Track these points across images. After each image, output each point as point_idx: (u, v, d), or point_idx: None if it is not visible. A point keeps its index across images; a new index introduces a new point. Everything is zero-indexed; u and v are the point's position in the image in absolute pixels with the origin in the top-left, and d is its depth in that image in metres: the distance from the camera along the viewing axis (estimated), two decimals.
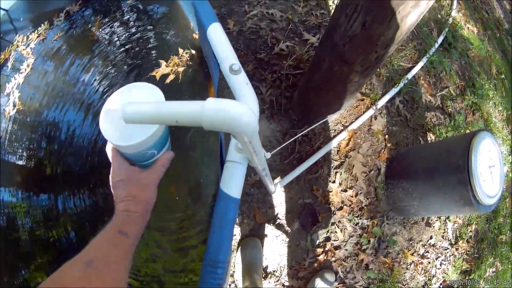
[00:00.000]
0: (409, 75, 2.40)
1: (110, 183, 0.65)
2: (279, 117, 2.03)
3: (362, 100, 2.16)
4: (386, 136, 2.15)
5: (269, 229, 1.88)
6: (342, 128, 2.07)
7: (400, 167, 2.02)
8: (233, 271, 1.81)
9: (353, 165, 2.02)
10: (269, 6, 2.37)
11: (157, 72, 1.97)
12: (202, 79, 2.04)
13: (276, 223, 1.90)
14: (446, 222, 2.31)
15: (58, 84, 1.95)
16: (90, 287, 0.45)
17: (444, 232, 2.30)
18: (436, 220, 2.27)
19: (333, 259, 1.97)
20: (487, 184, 1.56)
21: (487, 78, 3.10)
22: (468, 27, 3.39)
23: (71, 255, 0.50)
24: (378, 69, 2.24)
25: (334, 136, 2.03)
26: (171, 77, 2.00)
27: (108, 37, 2.09)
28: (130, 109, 0.50)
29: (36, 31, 2.15)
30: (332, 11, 2.35)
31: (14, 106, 1.96)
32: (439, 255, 2.28)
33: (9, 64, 2.11)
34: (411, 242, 2.18)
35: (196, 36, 2.09)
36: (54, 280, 0.46)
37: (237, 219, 1.86)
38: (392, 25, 1.07)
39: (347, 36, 1.25)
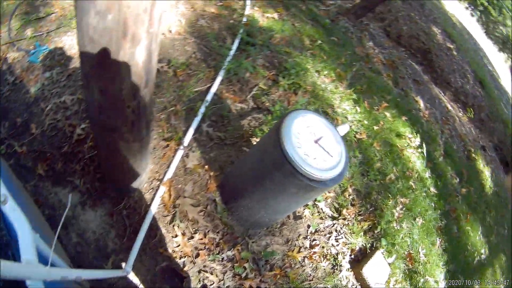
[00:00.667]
0: (208, 96, 2.68)
1: None
2: (101, 200, 2.27)
3: (167, 146, 2.41)
4: (206, 166, 2.41)
5: None
6: (158, 182, 2.24)
7: (231, 188, 2.33)
8: None
9: (186, 211, 2.23)
10: (61, 94, 2.61)
11: None
12: None
13: None
14: (317, 204, 2.55)
15: None
16: None
17: (320, 214, 2.56)
18: (304, 209, 2.51)
19: None
20: (321, 158, 1.66)
21: (300, 53, 3.58)
22: (267, 16, 3.95)
23: None
24: (151, 118, 2.58)
25: (153, 197, 2.20)
26: None
27: None
28: None
29: None
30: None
31: None
32: (329, 234, 2.52)
33: None
34: (290, 243, 2.40)
35: None
36: None
37: None
38: (124, 76, 1.19)
39: (97, 107, 1.44)
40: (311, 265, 2.47)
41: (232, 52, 3.29)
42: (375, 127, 3.63)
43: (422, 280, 3.02)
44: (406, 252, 3.03)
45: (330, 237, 2.61)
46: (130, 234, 2.17)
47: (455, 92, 6.48)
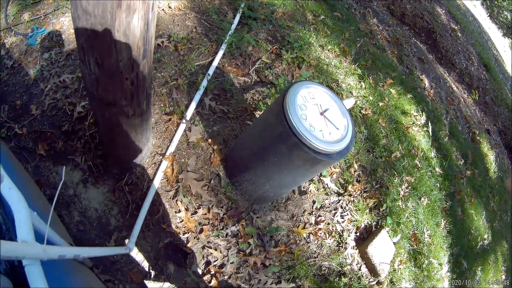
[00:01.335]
0: (210, 70, 2.69)
1: None
2: (103, 177, 2.29)
3: (169, 120, 2.42)
4: (209, 140, 2.42)
5: (150, 284, 2.06)
6: (161, 157, 2.26)
7: (235, 162, 2.34)
8: None
9: (189, 186, 2.24)
10: (60, 73, 2.66)
11: None
12: None
13: (153, 275, 2.09)
14: (322, 180, 2.58)
15: None
16: None
17: (325, 189, 2.59)
18: (309, 185, 2.54)
19: (226, 277, 2.21)
20: (327, 131, 1.68)
21: (303, 28, 3.59)
22: None
23: None
24: (151, 90, 2.61)
25: (156, 172, 2.22)
26: None
27: None
28: None
29: None
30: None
31: None
32: (334, 210, 2.56)
33: None
34: (295, 219, 2.43)
35: None
36: None
37: None
38: (121, 47, 1.20)
39: (94, 80, 1.46)
40: (316, 242, 2.52)
41: (233, 26, 3.30)
42: (380, 104, 3.67)
43: (426, 261, 3.09)
44: (411, 232, 3.09)
45: (335, 213, 2.66)
46: (132, 210, 2.20)
47: (459, 73, 6.53)
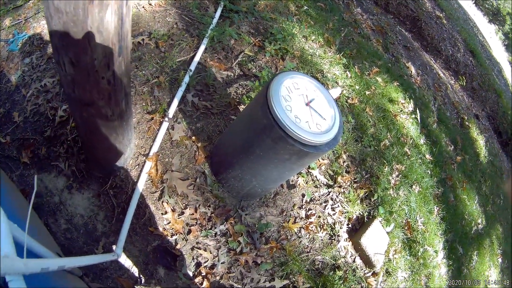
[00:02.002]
0: (192, 66, 2.64)
1: None
2: (87, 182, 2.23)
3: (152, 119, 2.36)
4: (193, 137, 2.38)
5: None
6: (144, 158, 2.20)
7: (220, 158, 2.31)
8: None
9: (174, 186, 2.19)
10: (41, 78, 2.59)
11: None
12: None
13: (144, 280, 2.04)
14: (311, 172, 2.55)
15: None
16: None
17: (314, 182, 2.55)
18: (297, 178, 2.50)
19: (217, 278, 2.16)
20: (314, 122, 1.64)
21: (286, 19, 3.55)
22: None
23: None
24: (130, 89, 2.58)
25: (140, 173, 2.17)
26: None
27: None
28: None
29: None
30: None
31: None
32: (324, 203, 2.53)
33: None
34: (285, 214, 2.40)
35: None
36: None
37: None
38: (95, 44, 1.16)
39: (70, 81, 1.40)
40: (308, 236, 2.48)
41: (215, 20, 3.24)
42: (367, 92, 3.64)
43: (421, 249, 3.08)
44: (404, 221, 3.07)
45: (326, 206, 2.62)
46: (118, 214, 2.14)
47: (446, 60, 6.54)
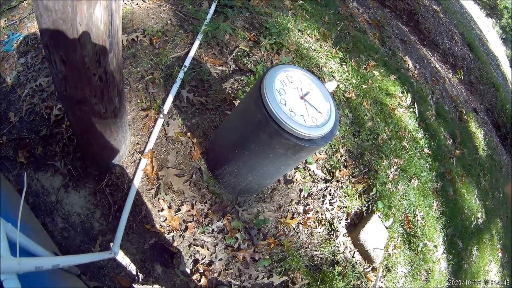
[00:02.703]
0: (187, 62, 2.63)
1: None
2: (83, 180, 2.23)
3: (146, 115, 2.35)
4: (188, 133, 2.37)
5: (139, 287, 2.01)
6: (140, 155, 2.19)
7: (216, 154, 2.31)
8: None
9: (170, 182, 2.18)
10: (36, 77, 2.60)
11: None
12: None
13: (141, 278, 2.04)
14: (308, 167, 2.54)
15: None
16: None
17: (312, 177, 2.55)
18: (294, 173, 2.49)
19: (215, 274, 2.15)
20: (309, 115, 1.63)
21: (281, 13, 3.53)
22: None
23: None
24: (123, 86, 2.58)
25: (135, 170, 2.16)
26: None
27: None
28: None
29: None
30: None
31: None
32: (322, 198, 2.52)
33: None
34: (282, 209, 2.39)
35: None
36: None
37: None
38: (85, 41, 1.16)
39: (62, 79, 1.40)
40: (306, 232, 2.48)
41: (209, 16, 3.23)
42: (364, 86, 3.64)
43: (421, 244, 3.07)
44: (403, 215, 3.07)
45: (324, 201, 2.62)
46: (115, 212, 2.14)
47: (443, 53, 6.55)
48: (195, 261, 2.14)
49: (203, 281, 2.09)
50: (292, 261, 2.30)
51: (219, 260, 2.17)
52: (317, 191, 2.63)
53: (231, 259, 2.20)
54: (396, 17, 6.19)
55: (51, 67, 1.33)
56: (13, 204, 1.60)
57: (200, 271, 2.11)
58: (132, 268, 2.04)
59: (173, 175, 2.29)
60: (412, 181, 3.32)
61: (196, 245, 2.17)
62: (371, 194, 2.86)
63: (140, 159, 2.29)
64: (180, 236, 2.17)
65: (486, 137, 5.82)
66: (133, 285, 2.01)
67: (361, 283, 2.53)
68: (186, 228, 2.19)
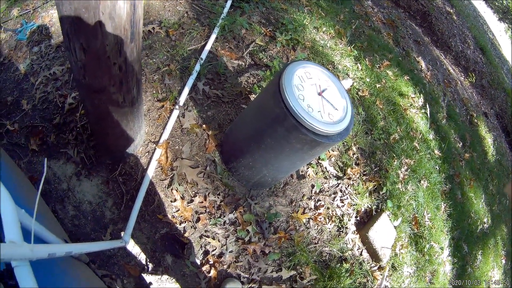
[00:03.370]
0: (203, 54, 2.64)
1: None
2: (96, 169, 2.24)
3: (162, 106, 2.36)
4: (204, 126, 2.38)
5: (148, 277, 2.03)
6: (154, 145, 2.21)
7: (231, 147, 2.32)
8: None
9: (184, 173, 2.20)
10: (50, 66, 2.61)
11: None
12: None
13: (151, 267, 2.06)
14: (320, 163, 2.55)
15: None
16: None
17: (324, 173, 2.56)
18: (307, 168, 2.50)
19: (225, 266, 2.18)
20: (326, 112, 1.64)
21: (297, 10, 3.53)
22: None
23: None
24: (141, 76, 2.59)
25: (150, 160, 2.18)
26: None
27: None
28: None
29: None
30: None
31: None
32: (333, 194, 2.53)
33: None
34: (294, 204, 2.40)
35: None
36: None
37: (116, 283, 1.96)
38: (107, 30, 1.16)
39: (81, 67, 1.40)
40: (316, 227, 2.49)
41: (226, 10, 3.23)
42: (378, 85, 3.64)
43: (427, 245, 3.08)
44: (411, 216, 3.08)
45: (335, 197, 2.63)
46: (127, 201, 2.16)
47: (455, 56, 6.51)
48: (206, 253, 2.16)
49: (213, 273, 2.11)
50: (301, 256, 2.32)
51: (229, 252, 2.19)
52: (328, 188, 2.64)
53: (241, 252, 2.22)
54: (410, 17, 6.16)
55: (70, 55, 1.33)
56: (25, 191, 1.61)
57: (210, 263, 2.14)
58: (142, 257, 2.06)
59: (187, 166, 2.30)
60: (422, 182, 3.32)
61: (208, 236, 2.19)
62: (381, 193, 2.87)
63: (154, 149, 2.31)
64: (191, 227, 2.19)
65: (496, 142, 5.79)
66: (142, 274, 2.03)
67: (368, 281, 2.54)
68: (198, 219, 2.21)
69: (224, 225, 2.24)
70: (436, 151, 3.80)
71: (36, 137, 2.24)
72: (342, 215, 2.60)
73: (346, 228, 2.60)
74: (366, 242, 2.63)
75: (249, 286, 2.17)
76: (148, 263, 2.06)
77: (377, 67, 3.94)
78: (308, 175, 2.59)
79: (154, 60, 2.67)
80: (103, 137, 2.06)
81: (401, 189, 3.03)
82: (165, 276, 2.05)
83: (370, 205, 2.77)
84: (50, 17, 2.86)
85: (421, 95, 4.17)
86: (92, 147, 2.26)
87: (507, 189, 5.39)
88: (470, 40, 7.29)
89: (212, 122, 2.52)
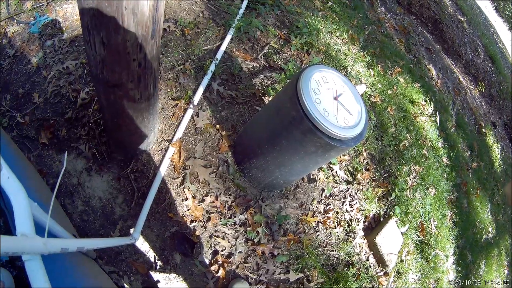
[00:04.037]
0: (218, 55, 2.64)
1: None
2: (107, 165, 2.26)
3: (176, 105, 2.38)
4: (217, 126, 2.39)
5: (156, 275, 2.03)
6: (167, 143, 2.22)
7: (244, 148, 2.32)
8: None
9: (197, 173, 2.20)
10: (63, 60, 2.63)
11: None
12: None
13: (159, 265, 2.06)
14: (331, 167, 2.55)
15: None
16: None
17: (334, 177, 2.56)
18: (318, 172, 2.50)
19: (233, 267, 2.18)
20: (341, 116, 1.65)
21: (311, 14, 3.53)
22: None
23: None
24: (158, 73, 2.60)
25: (162, 158, 2.18)
26: None
27: None
28: None
29: None
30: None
31: None
32: (343, 199, 2.53)
33: None
34: (304, 207, 2.41)
35: None
36: None
37: (123, 280, 1.97)
38: (129, 25, 1.16)
39: (99, 62, 1.40)
40: (325, 231, 2.49)
41: (241, 11, 3.24)
42: (389, 92, 3.64)
43: (433, 253, 3.07)
44: (418, 223, 3.07)
45: (344, 202, 2.63)
46: (138, 198, 2.17)
47: (466, 64, 6.49)
48: (215, 252, 2.17)
49: (221, 273, 2.12)
50: (309, 259, 2.32)
51: (238, 252, 2.20)
52: (338, 192, 2.65)
53: (250, 253, 2.23)
54: (421, 24, 6.14)
55: (89, 49, 1.33)
56: (35, 184, 1.62)
57: (219, 263, 2.14)
58: (151, 255, 2.07)
59: (199, 166, 2.31)
60: (429, 189, 3.31)
61: (217, 236, 2.20)
62: (389, 199, 2.86)
63: (167, 148, 2.32)
64: (202, 226, 2.20)
65: (503, 152, 5.76)
66: (150, 272, 2.03)
67: (373, 286, 2.54)
68: (209, 219, 2.21)
69: (234, 225, 2.25)
70: (444, 159, 3.79)
71: (47, 130, 2.25)
72: (351, 220, 2.61)
73: (354, 232, 2.60)
74: (373, 248, 2.63)
75: (256, 287, 2.17)
76: (157, 261, 2.06)
77: (389, 73, 3.94)
78: (319, 178, 2.59)
79: (169, 58, 2.68)
80: (116, 133, 2.06)
81: (409, 196, 3.03)
82: (173, 275, 2.05)
83: (378, 210, 2.77)
84: (64, 11, 2.88)
85: (431, 102, 4.16)
86: (104, 143, 2.27)
87: (507, 189, 5.36)
88: (480, 49, 7.26)
89: (226, 122, 2.53)
